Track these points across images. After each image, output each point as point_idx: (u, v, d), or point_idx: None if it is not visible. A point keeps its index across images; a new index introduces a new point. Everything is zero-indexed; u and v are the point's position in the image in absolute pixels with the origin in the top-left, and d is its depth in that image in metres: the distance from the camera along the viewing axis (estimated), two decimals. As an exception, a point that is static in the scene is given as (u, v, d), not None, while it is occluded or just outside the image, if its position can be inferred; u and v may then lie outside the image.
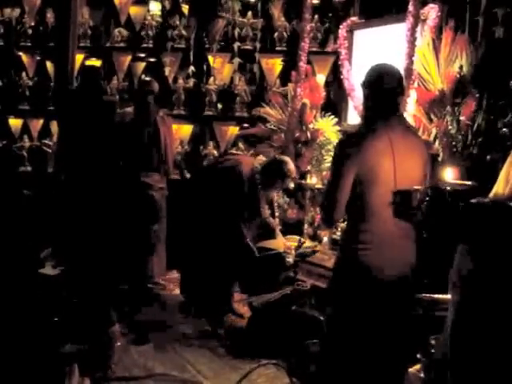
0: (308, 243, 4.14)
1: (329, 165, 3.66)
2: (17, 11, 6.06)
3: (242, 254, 4.09)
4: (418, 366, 2.59)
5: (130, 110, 4.73)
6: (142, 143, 4.55)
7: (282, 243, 4.22)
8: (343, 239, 2.42)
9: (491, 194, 1.80)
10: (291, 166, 4.13)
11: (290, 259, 4.05)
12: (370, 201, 2.18)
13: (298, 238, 4.22)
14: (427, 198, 1.65)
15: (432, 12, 3.80)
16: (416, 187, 1.72)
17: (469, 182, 1.71)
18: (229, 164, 4.32)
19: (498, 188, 1.79)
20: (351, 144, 2.26)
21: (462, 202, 1.62)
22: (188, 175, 5.54)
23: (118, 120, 4.67)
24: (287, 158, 4.19)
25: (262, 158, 4.38)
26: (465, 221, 1.65)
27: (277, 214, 4.49)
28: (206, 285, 4.13)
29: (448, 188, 1.62)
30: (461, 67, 3.49)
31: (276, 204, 4.51)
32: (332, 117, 4.57)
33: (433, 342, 2.49)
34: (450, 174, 1.75)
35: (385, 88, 2.29)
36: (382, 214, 2.18)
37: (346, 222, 2.36)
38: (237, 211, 4.15)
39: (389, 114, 2.28)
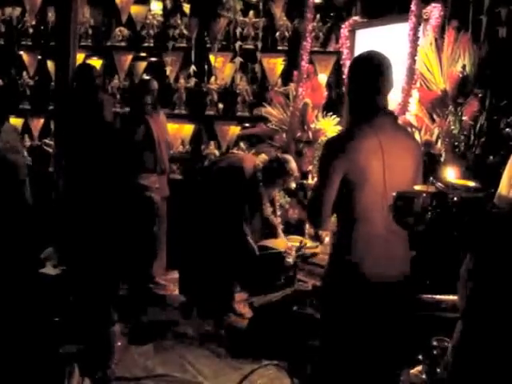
0: (309, 243, 4.12)
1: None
2: (18, 10, 6.06)
3: (243, 253, 4.08)
4: (419, 368, 2.58)
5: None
6: (134, 143, 4.52)
7: (284, 243, 4.20)
8: (333, 242, 2.37)
9: (495, 197, 1.78)
10: (293, 164, 4.13)
11: (290, 260, 4.03)
12: (360, 202, 2.14)
13: (300, 238, 4.20)
14: (430, 208, 1.58)
15: (435, 11, 3.79)
16: (418, 189, 1.65)
17: (473, 184, 1.66)
18: (231, 162, 4.31)
19: (502, 190, 1.77)
20: (338, 145, 2.18)
21: (468, 212, 1.55)
22: (180, 176, 5.51)
23: (111, 119, 4.65)
24: (289, 157, 4.19)
25: (264, 157, 4.37)
26: (470, 232, 1.59)
27: (278, 212, 4.48)
28: (206, 284, 4.12)
29: (455, 198, 1.55)
30: (463, 67, 3.48)
31: (278, 203, 4.49)
32: (334, 117, 4.55)
33: (435, 343, 2.48)
34: (452, 175, 1.69)
35: (372, 78, 2.19)
36: (372, 216, 2.13)
37: (336, 224, 2.31)
38: (238, 209, 4.14)
39: (377, 112, 2.19)
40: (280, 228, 4.35)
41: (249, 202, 4.17)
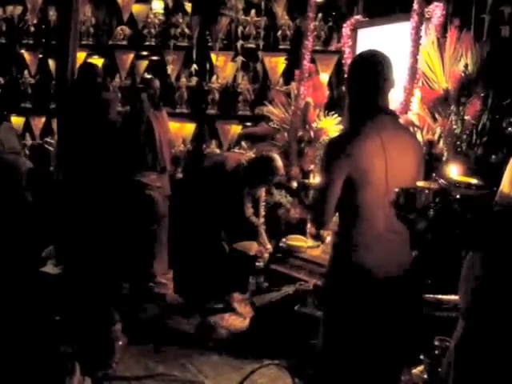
0: (311, 243, 4.11)
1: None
2: (19, 9, 6.07)
3: (215, 256, 4.06)
4: (421, 367, 2.58)
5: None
6: (135, 141, 4.52)
7: (255, 246, 4.16)
8: (335, 241, 2.36)
9: (497, 195, 1.77)
10: (278, 163, 4.07)
11: (261, 263, 4.00)
12: (362, 202, 2.13)
13: (301, 237, 4.17)
14: (433, 205, 1.57)
15: (437, 10, 3.78)
16: (421, 185, 1.64)
17: (475, 181, 1.65)
18: (213, 160, 4.29)
19: (504, 188, 1.76)
20: (341, 145, 2.17)
21: (471, 210, 1.54)
22: (180, 175, 5.52)
23: (116, 118, 4.64)
24: (275, 155, 4.14)
25: (250, 155, 4.32)
26: (475, 230, 1.58)
27: (263, 212, 4.42)
28: (206, 284, 4.11)
29: (457, 196, 1.54)
30: (466, 66, 3.47)
31: (263, 203, 4.44)
32: (335, 116, 4.54)
33: (436, 343, 2.47)
34: (455, 172, 1.69)
35: (372, 77, 2.18)
36: (374, 215, 2.13)
37: (337, 224, 2.30)
38: (216, 212, 4.08)
39: (378, 112, 2.18)
40: (262, 228, 4.32)
41: (229, 202, 4.10)
